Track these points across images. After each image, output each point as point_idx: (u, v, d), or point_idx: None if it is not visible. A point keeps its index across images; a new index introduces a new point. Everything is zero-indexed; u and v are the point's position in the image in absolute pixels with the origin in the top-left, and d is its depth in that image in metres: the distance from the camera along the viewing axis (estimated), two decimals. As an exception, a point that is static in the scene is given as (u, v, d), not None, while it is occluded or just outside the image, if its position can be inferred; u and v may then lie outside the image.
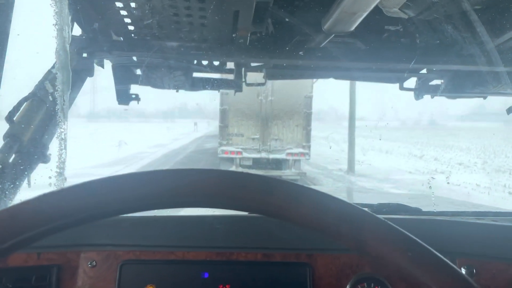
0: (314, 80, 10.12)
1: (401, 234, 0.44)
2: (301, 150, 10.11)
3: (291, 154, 10.08)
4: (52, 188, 0.45)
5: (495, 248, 1.01)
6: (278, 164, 10.27)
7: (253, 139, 10.21)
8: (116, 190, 0.43)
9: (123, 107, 1.89)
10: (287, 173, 10.03)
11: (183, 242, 0.98)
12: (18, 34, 1.08)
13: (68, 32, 1.02)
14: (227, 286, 0.95)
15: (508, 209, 1.40)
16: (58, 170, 1.04)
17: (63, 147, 1.03)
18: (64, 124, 1.03)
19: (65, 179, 1.05)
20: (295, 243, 0.99)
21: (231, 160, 10.29)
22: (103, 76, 1.65)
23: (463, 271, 0.97)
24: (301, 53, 1.61)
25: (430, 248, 0.44)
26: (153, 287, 0.93)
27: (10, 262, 0.89)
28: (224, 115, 10.22)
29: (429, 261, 0.43)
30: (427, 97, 1.86)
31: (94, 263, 0.94)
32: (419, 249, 0.44)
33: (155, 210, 0.47)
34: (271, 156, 10.14)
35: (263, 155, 10.19)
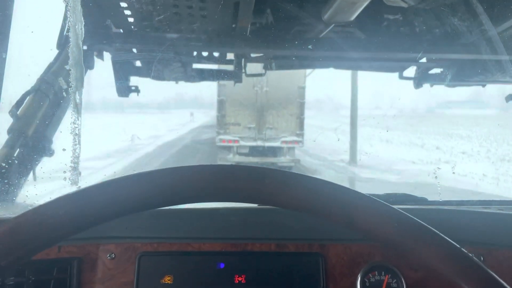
0: (308, 72, 10.32)
1: (417, 223, 0.46)
2: (295, 138, 10.50)
3: (286, 142, 10.48)
4: (68, 182, 0.47)
5: (501, 236, 1.03)
6: (273, 151, 10.62)
7: (249, 128, 10.56)
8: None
9: (118, 98, 1.89)
10: (281, 160, 10.44)
11: (199, 234, 1.00)
12: (32, 32, 1.08)
13: (81, 28, 1.02)
14: (242, 276, 0.96)
15: None
16: (72, 165, 1.05)
17: (77, 142, 1.04)
18: (78, 120, 1.04)
19: (80, 173, 1.06)
20: (308, 233, 1.01)
21: (229, 148, 10.62)
22: (99, 68, 1.65)
23: None
24: (301, 43, 1.61)
25: (443, 236, 0.46)
26: (171, 278, 0.95)
27: None
28: (221, 105, 10.57)
29: (443, 249, 0.45)
30: (425, 85, 1.87)
31: (113, 255, 0.95)
32: (432, 236, 0.46)
33: None
34: (267, 144, 10.53)
35: (259, 143, 10.54)
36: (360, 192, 0.48)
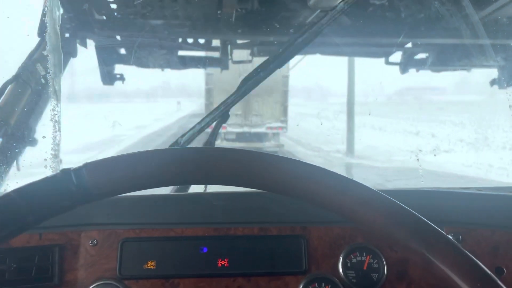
0: (292, 65, 10.52)
1: (393, 204, 0.47)
2: (279, 124, 11.19)
3: (270, 128, 11.17)
4: (49, 170, 0.48)
5: (480, 215, 1.05)
6: (259, 137, 11.22)
7: (236, 115, 11.07)
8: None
9: (102, 87, 1.86)
10: (267, 145, 10.97)
11: (181, 219, 1.00)
12: (8, 17, 1.06)
13: (58, 13, 1.00)
14: (225, 260, 0.97)
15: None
16: (53, 152, 1.04)
17: (57, 129, 1.03)
18: (58, 106, 1.03)
19: (61, 161, 1.05)
20: (290, 217, 1.02)
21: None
22: (83, 56, 1.63)
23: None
24: (287, 29, 1.60)
25: (411, 211, 0.47)
26: (154, 263, 0.95)
27: (13, 243, 0.90)
28: (209, 93, 11.07)
29: (414, 225, 0.46)
30: (411, 71, 1.88)
31: (95, 241, 0.95)
32: (403, 213, 0.47)
33: (153, 189, 0.50)
34: (253, 130, 11.17)
35: (245, 129, 11.15)
36: (346, 177, 0.49)
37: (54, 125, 1.02)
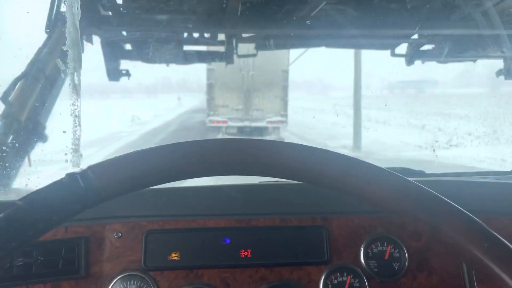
0: (292, 60, 10.62)
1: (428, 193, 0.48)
2: (279, 118, 11.42)
3: (271, 122, 11.42)
4: (70, 164, 0.48)
5: (499, 204, 1.05)
6: (259, 131, 11.49)
7: (237, 109, 11.46)
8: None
9: (103, 84, 1.87)
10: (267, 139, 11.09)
11: (204, 211, 1.01)
12: (28, 12, 1.06)
13: (77, 7, 1.01)
14: (248, 250, 0.98)
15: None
16: (73, 147, 1.05)
17: (77, 124, 1.04)
18: (77, 101, 1.03)
19: (81, 155, 1.06)
20: (310, 208, 1.03)
21: (218, 128, 11.54)
22: (87, 52, 1.63)
23: None
24: (292, 22, 1.60)
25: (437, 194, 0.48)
26: (178, 254, 0.96)
27: None
28: (210, 88, 11.38)
29: (455, 217, 0.47)
30: (415, 63, 1.87)
31: (119, 234, 0.96)
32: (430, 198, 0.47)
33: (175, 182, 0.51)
34: (253, 124, 11.44)
35: (246, 123, 11.45)
36: (372, 164, 0.50)
37: (74, 120, 1.03)
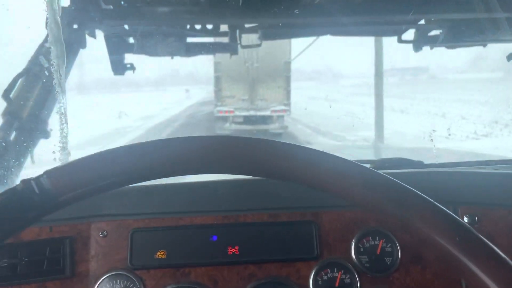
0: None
1: (400, 187, 0.45)
2: (283, 107, 12.10)
3: (275, 111, 12.06)
4: (58, 163, 0.46)
5: (496, 195, 1.03)
6: (264, 120, 12.20)
7: (243, 100, 12.17)
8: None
9: (112, 78, 1.87)
10: (272, 127, 12.12)
11: (190, 208, 1.00)
12: (8, 9, 1.05)
13: (58, 3, 1.00)
14: (236, 247, 0.97)
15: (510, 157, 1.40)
16: (61, 145, 1.05)
17: (63, 122, 1.03)
18: (63, 98, 1.03)
19: (69, 153, 1.06)
20: (300, 202, 1.01)
21: (225, 118, 12.24)
22: (92, 47, 1.62)
23: (465, 219, 1.00)
24: (296, 11, 1.57)
25: (426, 197, 0.46)
26: (165, 252, 0.96)
27: (23, 236, 0.91)
28: (218, 80, 12.12)
29: (425, 209, 0.45)
30: (424, 49, 1.83)
31: (105, 233, 0.96)
32: (416, 200, 0.45)
33: (160, 179, 0.49)
34: (258, 113, 12.12)
35: (252, 112, 12.14)
36: (339, 156, 0.48)
37: (60, 117, 1.02)
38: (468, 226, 0.44)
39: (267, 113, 12.15)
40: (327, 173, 0.47)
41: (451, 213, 0.44)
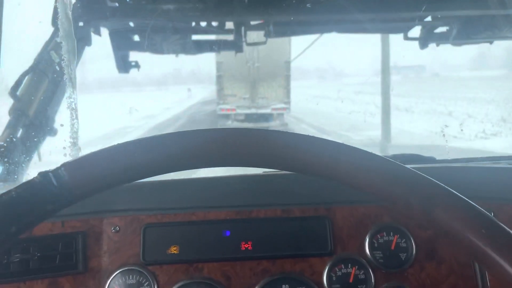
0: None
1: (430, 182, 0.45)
2: (283, 105, 12.64)
3: (275, 109, 12.58)
4: (68, 158, 0.45)
5: (511, 190, 1.02)
6: (265, 117, 12.66)
7: (244, 98, 12.67)
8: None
9: (114, 77, 1.86)
10: (272, 125, 12.36)
11: (203, 203, 0.99)
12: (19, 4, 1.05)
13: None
14: (249, 243, 0.96)
15: None
16: (72, 140, 1.04)
17: (74, 117, 1.03)
18: (74, 93, 1.02)
19: (80, 148, 1.05)
20: (313, 197, 1.00)
21: (227, 116, 12.70)
22: (91, 46, 1.62)
23: None
24: (301, 7, 1.56)
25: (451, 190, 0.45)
26: (177, 248, 0.95)
27: (35, 231, 0.91)
28: (220, 80, 12.62)
29: (450, 201, 0.44)
30: (431, 45, 1.82)
31: (117, 228, 0.96)
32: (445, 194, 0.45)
33: (171, 174, 0.48)
34: (259, 111, 12.61)
35: (253, 110, 12.64)
36: (363, 150, 0.47)
37: (71, 113, 1.02)
38: (494, 219, 0.43)
39: (267, 111, 12.62)
40: (350, 166, 0.46)
41: (477, 206, 0.44)
